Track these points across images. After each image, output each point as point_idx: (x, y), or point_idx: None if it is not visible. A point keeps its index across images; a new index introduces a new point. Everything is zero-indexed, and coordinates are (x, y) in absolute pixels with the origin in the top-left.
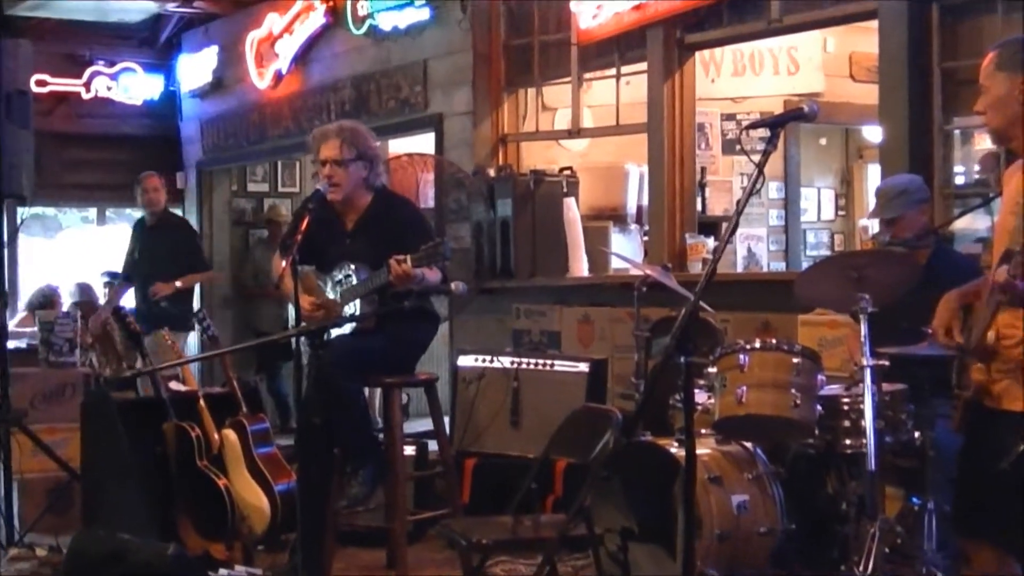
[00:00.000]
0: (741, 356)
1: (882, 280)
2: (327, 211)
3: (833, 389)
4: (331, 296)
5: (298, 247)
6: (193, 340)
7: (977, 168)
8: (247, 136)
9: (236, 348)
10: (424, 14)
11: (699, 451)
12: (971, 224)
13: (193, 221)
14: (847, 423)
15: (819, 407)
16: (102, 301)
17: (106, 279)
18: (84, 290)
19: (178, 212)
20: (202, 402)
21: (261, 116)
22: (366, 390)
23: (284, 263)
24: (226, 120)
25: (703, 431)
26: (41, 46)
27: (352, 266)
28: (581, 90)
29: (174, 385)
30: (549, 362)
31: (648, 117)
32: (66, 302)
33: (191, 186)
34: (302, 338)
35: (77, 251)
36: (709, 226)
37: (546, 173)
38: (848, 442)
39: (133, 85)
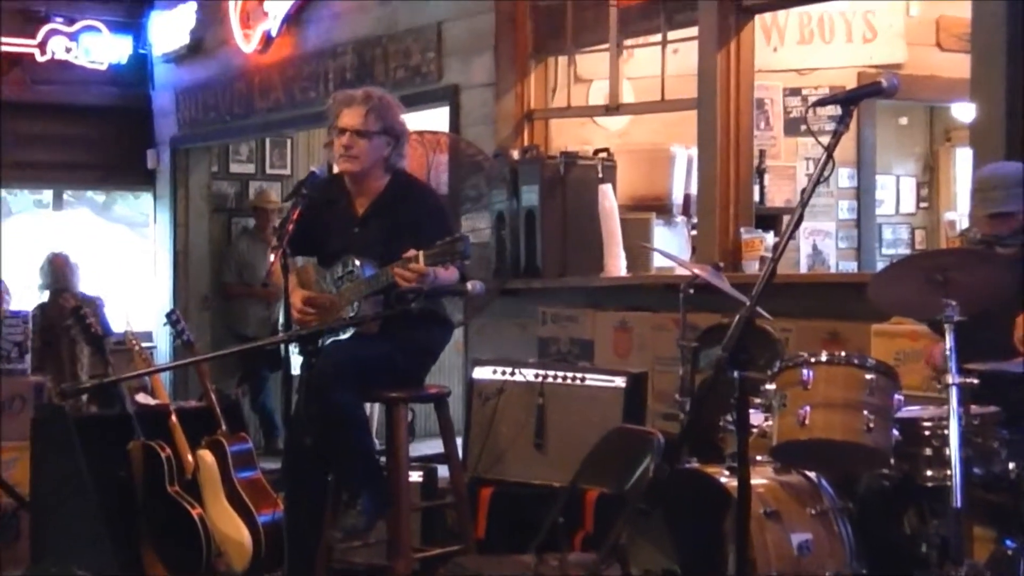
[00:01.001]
0: (804, 371)
1: (972, 284)
2: (335, 191)
3: (912, 411)
4: (331, 293)
5: (291, 238)
6: (164, 345)
7: None
8: (230, 109)
9: (215, 355)
10: None
11: (754, 481)
12: None
13: (166, 207)
14: (928, 451)
15: (896, 432)
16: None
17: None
18: (59, 267)
19: (147, 196)
20: (174, 418)
21: (247, 86)
22: (366, 405)
23: (273, 257)
24: (205, 90)
25: (759, 458)
26: None
27: (356, 261)
28: (621, 59)
29: (141, 398)
30: (580, 375)
31: (698, 91)
32: (20, 298)
33: (164, 166)
34: (292, 344)
35: (29, 240)
36: (768, 219)
37: (579, 156)
38: (929, 473)
39: (96, 47)
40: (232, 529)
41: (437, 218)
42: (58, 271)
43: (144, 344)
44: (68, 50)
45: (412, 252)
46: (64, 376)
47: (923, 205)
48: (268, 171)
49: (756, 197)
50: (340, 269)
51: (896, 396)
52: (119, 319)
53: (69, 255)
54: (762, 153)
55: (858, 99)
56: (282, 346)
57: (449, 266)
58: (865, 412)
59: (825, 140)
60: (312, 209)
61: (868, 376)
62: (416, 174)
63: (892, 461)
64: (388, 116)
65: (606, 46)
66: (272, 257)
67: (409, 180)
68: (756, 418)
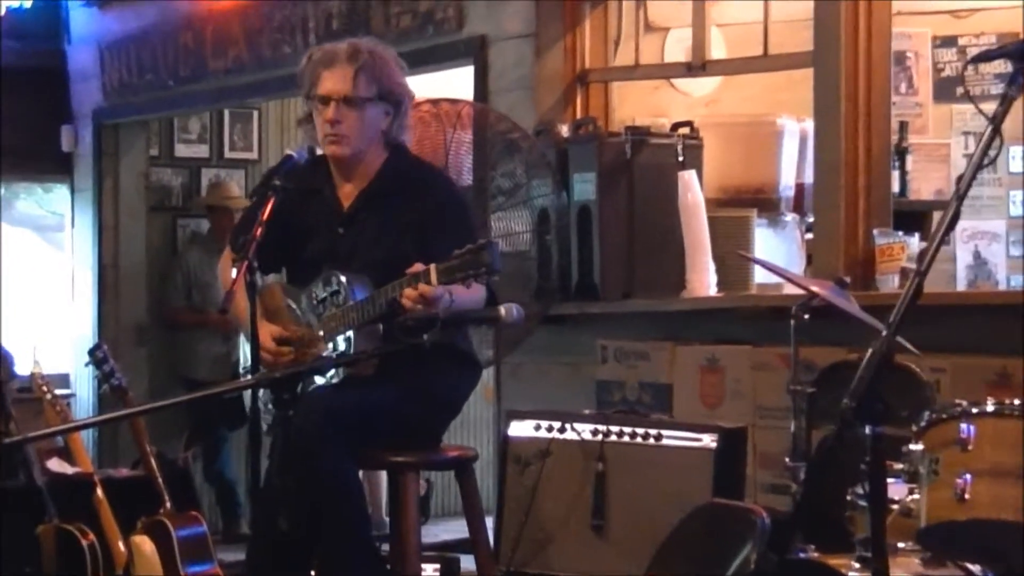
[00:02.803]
0: (963, 426)
1: None
2: (311, 183)
3: None
4: (308, 324)
5: (258, 246)
6: (86, 393)
7: None
8: (174, 70)
9: (156, 406)
10: None
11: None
12: None
13: (87, 204)
14: None
15: None
16: None
17: None
18: None
19: (61, 190)
20: (100, 491)
21: (197, 38)
22: (362, 474)
23: (235, 272)
24: (141, 44)
25: (901, 544)
26: None
27: (342, 278)
28: (707, 1)
29: (55, 464)
30: (654, 432)
31: (815, 42)
32: None
33: (84, 148)
34: (261, 391)
35: None
36: (912, 217)
37: (652, 131)
38: None
39: None
40: None
41: (454, 216)
42: None
43: (58, 391)
44: None
45: (420, 266)
46: None
47: None
48: (227, 155)
49: (895, 187)
50: (321, 289)
51: None
52: (23, 358)
53: None
54: (903, 126)
55: None
56: (247, 394)
57: (472, 284)
58: None
59: (990, 108)
60: (287, 207)
61: None
62: (430, 158)
63: None
64: (384, 75)
65: None
66: (233, 273)
67: (413, 161)
68: (897, 490)
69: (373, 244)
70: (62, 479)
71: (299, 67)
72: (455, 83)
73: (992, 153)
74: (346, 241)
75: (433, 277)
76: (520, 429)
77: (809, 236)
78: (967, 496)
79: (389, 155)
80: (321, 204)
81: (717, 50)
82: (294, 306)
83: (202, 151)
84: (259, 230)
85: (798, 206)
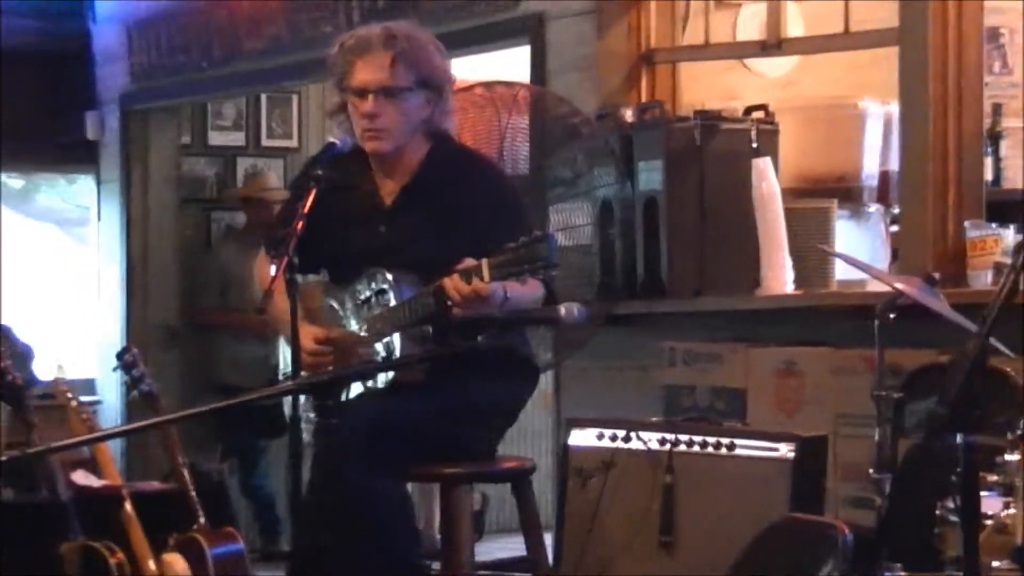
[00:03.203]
0: None
1: None
2: (350, 176)
3: None
4: (351, 327)
5: (298, 243)
6: (114, 399)
7: None
8: (207, 50)
9: (189, 414)
10: None
11: None
12: None
13: (114, 196)
14: None
15: None
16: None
17: None
18: None
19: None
20: (129, 506)
21: (231, 18)
22: (409, 486)
23: (274, 269)
24: (171, 23)
25: (995, 564)
26: None
27: (389, 276)
28: None
29: (80, 477)
30: (726, 442)
31: (900, 18)
32: None
33: (110, 136)
34: (301, 398)
35: None
36: (1007, 208)
37: (723, 116)
38: None
39: None
40: None
41: (507, 207)
42: None
43: (84, 398)
44: None
45: (471, 261)
46: None
47: None
48: (264, 143)
49: (988, 175)
50: (366, 287)
51: None
52: (46, 362)
53: None
54: (996, 108)
55: None
56: (286, 402)
57: (528, 280)
58: None
59: None
60: (326, 201)
61: None
62: (483, 144)
63: None
64: (423, 60)
65: None
66: (272, 270)
67: (458, 149)
68: (991, 504)
69: (418, 241)
70: (88, 493)
71: (329, 55)
72: (510, 64)
73: None
74: (389, 239)
75: (485, 272)
76: (581, 438)
77: (894, 229)
78: None
79: (432, 145)
80: (360, 200)
81: (794, 27)
82: (336, 307)
83: (237, 139)
84: (300, 224)
85: (883, 196)
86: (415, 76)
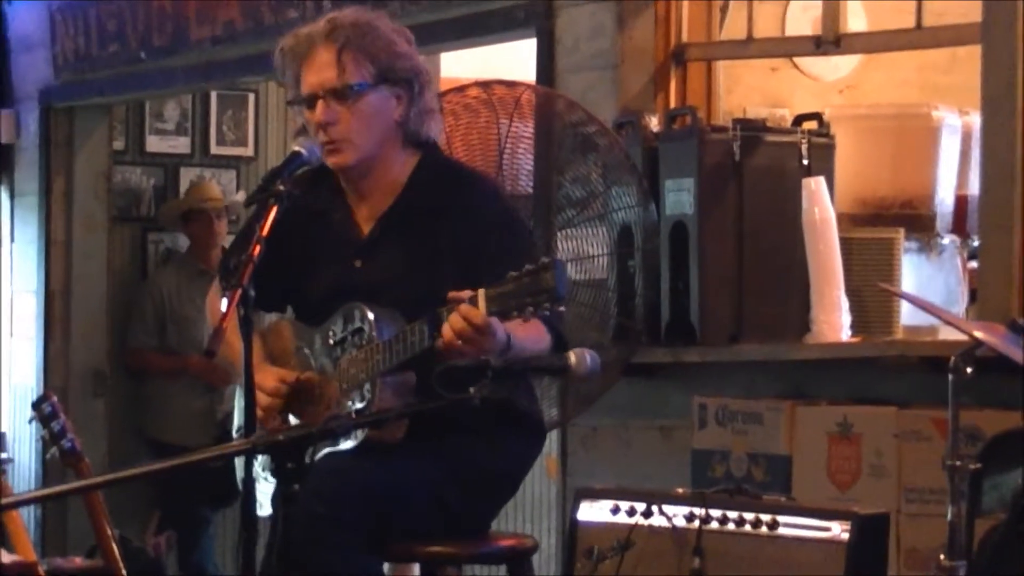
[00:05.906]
0: None
1: None
2: (319, 199)
3: None
4: (322, 370)
5: (255, 272)
6: (27, 458)
7: None
8: (146, 38)
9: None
10: None
11: None
12: None
13: (31, 212)
14: None
15: None
16: None
17: None
18: None
19: None
20: None
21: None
22: (386, 567)
23: (226, 303)
24: (102, 5)
25: None
26: None
27: (369, 313)
28: None
29: None
30: (767, 518)
31: (984, 11)
32: None
33: (28, 139)
34: (256, 459)
35: None
36: None
37: (768, 126)
38: None
39: None
40: None
41: (506, 234)
42: None
43: None
44: None
45: (466, 293)
46: None
47: None
48: (214, 151)
49: None
50: (340, 327)
51: None
52: None
53: None
54: None
55: None
56: (239, 463)
57: (532, 322)
58: None
59: None
60: (293, 222)
61: None
62: (478, 158)
63: None
64: (379, 50)
65: None
66: (222, 304)
67: (448, 165)
68: None
69: (401, 279)
70: None
71: (275, 61)
72: (513, 61)
73: None
74: (366, 276)
75: (481, 303)
76: (593, 512)
77: (973, 265)
78: None
79: (419, 161)
80: (330, 230)
81: (856, 21)
82: (306, 350)
83: (181, 145)
84: (257, 248)
85: (960, 225)
86: (371, 70)
